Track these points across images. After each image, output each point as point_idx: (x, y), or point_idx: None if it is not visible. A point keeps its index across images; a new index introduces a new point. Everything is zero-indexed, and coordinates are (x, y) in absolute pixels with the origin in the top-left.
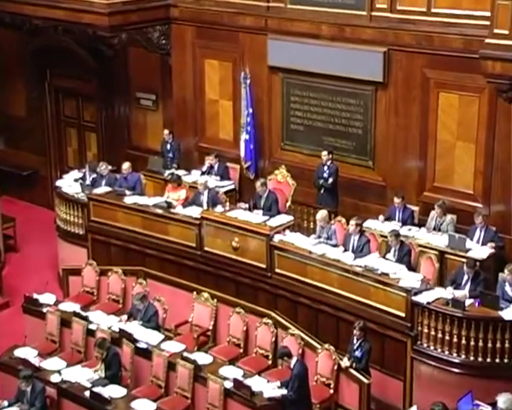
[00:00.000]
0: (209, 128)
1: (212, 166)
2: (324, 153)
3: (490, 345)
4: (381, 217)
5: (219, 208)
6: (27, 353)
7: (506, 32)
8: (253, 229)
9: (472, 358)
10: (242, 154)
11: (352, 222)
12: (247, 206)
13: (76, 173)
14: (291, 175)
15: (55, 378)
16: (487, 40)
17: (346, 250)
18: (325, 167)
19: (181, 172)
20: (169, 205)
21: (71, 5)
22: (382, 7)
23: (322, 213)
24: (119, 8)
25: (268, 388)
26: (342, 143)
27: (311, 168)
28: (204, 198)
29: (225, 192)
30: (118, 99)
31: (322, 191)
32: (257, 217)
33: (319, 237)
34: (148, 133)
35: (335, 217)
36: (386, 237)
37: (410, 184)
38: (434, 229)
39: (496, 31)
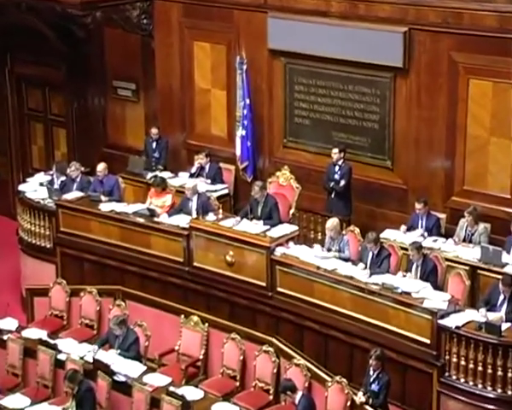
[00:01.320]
0: (199, 122)
1: (202, 168)
2: (335, 151)
3: None
4: (404, 227)
5: (211, 217)
6: None
7: None
8: (250, 241)
9: (509, 392)
10: (238, 152)
11: (370, 240)
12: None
13: (42, 176)
14: (295, 177)
15: None
16: None
17: (365, 267)
18: (336, 168)
19: (166, 175)
20: (152, 213)
21: None
22: None
23: (332, 222)
24: None
25: None
26: (356, 140)
27: (320, 169)
28: (193, 205)
29: (218, 198)
30: (91, 89)
31: (332, 196)
32: (255, 226)
33: (329, 249)
34: (128, 129)
35: (348, 226)
36: (407, 249)
37: (435, 188)
38: (464, 240)
39: None
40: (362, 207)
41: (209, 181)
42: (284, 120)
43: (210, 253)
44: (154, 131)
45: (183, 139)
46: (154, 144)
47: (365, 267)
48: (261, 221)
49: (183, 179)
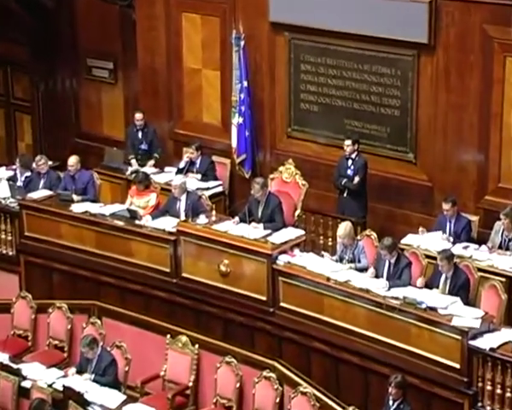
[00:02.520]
0: (188, 109)
1: (192, 162)
2: (348, 142)
3: None
4: (422, 229)
5: (202, 219)
6: None
7: None
8: (248, 247)
9: None
10: (234, 144)
11: (384, 247)
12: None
13: (3, 171)
14: (301, 173)
15: None
16: None
17: (377, 276)
18: (349, 162)
19: (149, 170)
20: (133, 215)
21: None
22: None
23: (344, 228)
24: None
25: None
26: (372, 129)
27: (330, 163)
28: (181, 205)
29: (210, 197)
30: (61, 68)
31: (344, 195)
32: (254, 231)
33: (341, 258)
34: (104, 115)
35: (363, 230)
36: (434, 258)
37: (466, 185)
38: (500, 247)
39: None
40: (379, 207)
41: (200, 177)
42: (288, 105)
43: (201, 261)
44: (138, 116)
45: (169, 128)
46: (140, 134)
47: (374, 275)
48: (261, 225)
49: (169, 175)
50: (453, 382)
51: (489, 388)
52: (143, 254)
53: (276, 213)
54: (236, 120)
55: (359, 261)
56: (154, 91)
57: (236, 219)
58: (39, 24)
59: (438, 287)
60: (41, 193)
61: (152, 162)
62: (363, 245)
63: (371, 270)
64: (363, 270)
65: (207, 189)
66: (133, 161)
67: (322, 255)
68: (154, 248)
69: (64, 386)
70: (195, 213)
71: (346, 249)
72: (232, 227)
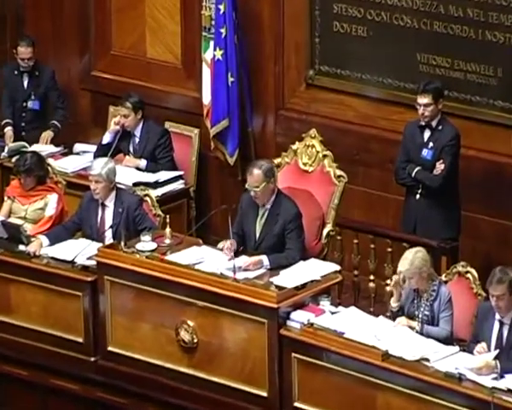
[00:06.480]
0: (119, 33)
1: (125, 134)
2: (423, 99)
3: None
4: None
5: (146, 243)
6: None
7: None
8: (234, 296)
9: None
10: (207, 99)
11: (497, 283)
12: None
13: None
14: (334, 155)
15: None
16: None
17: (490, 351)
18: (425, 134)
19: (46, 150)
20: (14, 234)
21: None
22: None
23: (412, 259)
24: None
25: None
26: (470, 71)
27: (388, 136)
28: (106, 216)
29: (162, 201)
30: None
31: (417, 197)
32: (246, 265)
33: (408, 314)
34: None
35: (452, 264)
36: None
37: None
38: None
39: None
40: (485, 221)
41: (143, 163)
42: (310, 27)
43: (144, 323)
44: (23, 49)
45: (82, 71)
46: (26, 81)
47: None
48: (265, 257)
49: (82, 159)
50: None
51: None
52: (35, 310)
53: (291, 233)
54: (211, 53)
55: (435, 323)
56: (56, 3)
57: (232, 243)
58: None
59: None
60: None
61: (49, 135)
62: (449, 293)
63: (482, 345)
64: (444, 339)
65: (156, 185)
66: (10, 131)
67: (373, 311)
68: (56, 297)
69: None
70: (133, 230)
71: (418, 300)
72: (202, 255)
